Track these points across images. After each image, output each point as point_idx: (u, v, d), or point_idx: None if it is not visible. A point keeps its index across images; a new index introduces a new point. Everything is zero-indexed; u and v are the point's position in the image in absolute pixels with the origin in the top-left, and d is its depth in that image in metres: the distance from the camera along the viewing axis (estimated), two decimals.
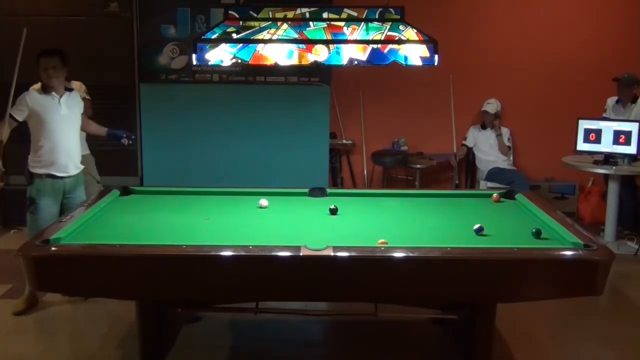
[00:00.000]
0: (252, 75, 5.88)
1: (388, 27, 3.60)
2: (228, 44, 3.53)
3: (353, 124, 6.55)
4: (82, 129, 4.33)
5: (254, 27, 3.62)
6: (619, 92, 5.72)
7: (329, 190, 3.94)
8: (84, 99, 4.58)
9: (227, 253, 2.75)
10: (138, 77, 5.95)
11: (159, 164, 5.96)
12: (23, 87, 4.08)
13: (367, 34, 3.58)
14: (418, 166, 6.32)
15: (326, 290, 2.81)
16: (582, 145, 5.59)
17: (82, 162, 4.58)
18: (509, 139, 6.30)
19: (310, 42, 3.53)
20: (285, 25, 3.60)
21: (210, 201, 3.75)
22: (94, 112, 4.84)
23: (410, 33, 3.55)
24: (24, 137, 4.14)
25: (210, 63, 3.66)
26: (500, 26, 6.43)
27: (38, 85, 4.11)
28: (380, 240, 2.86)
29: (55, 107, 4.04)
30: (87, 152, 4.85)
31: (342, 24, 3.62)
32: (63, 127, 4.07)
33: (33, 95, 4.02)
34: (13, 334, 3.82)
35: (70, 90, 4.18)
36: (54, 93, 4.04)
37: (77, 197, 4.17)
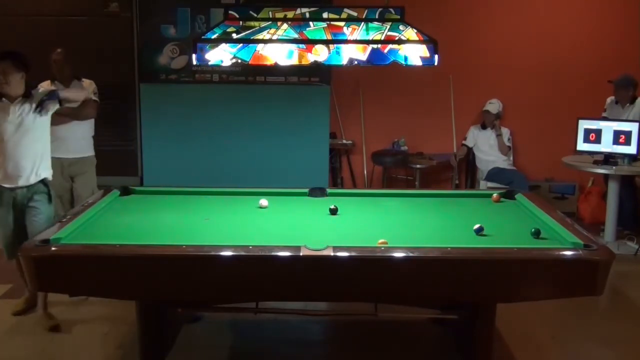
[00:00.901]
0: (252, 75, 5.89)
1: (388, 27, 3.60)
2: (228, 44, 3.53)
3: (353, 124, 6.55)
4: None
5: (254, 27, 3.62)
6: (615, 93, 5.73)
7: (329, 190, 3.93)
8: (89, 100, 4.44)
9: (227, 253, 2.75)
10: (138, 77, 5.96)
11: (159, 164, 5.96)
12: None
13: (367, 34, 3.58)
14: (418, 166, 6.32)
15: (326, 290, 2.81)
16: (582, 145, 5.59)
17: (81, 164, 4.54)
18: (509, 139, 6.30)
19: (310, 42, 3.53)
20: (285, 25, 3.60)
21: (210, 201, 3.75)
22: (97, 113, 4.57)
23: (410, 33, 3.55)
24: None
25: (210, 63, 3.66)
26: (500, 26, 6.43)
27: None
28: (380, 240, 2.86)
29: (3, 114, 3.72)
30: (91, 153, 4.63)
31: (342, 24, 3.62)
32: (13, 135, 3.72)
33: None
34: (13, 334, 3.82)
35: (28, 96, 3.78)
36: (4, 99, 3.73)
37: (39, 207, 3.80)
